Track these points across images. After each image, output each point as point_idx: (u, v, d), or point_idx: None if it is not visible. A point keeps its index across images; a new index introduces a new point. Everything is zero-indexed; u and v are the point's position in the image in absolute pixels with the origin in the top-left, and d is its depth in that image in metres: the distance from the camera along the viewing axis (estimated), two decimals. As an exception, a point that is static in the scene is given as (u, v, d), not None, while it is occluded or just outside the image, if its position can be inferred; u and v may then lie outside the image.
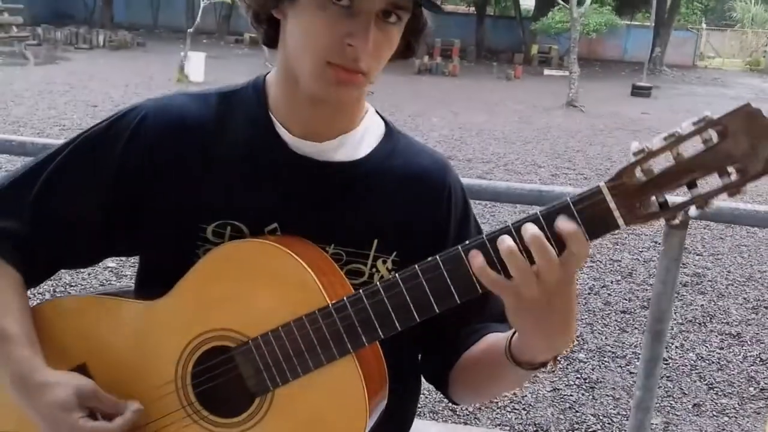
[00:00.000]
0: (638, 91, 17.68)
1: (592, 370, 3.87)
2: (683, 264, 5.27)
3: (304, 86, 1.02)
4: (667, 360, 3.99)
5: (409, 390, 1.21)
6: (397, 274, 0.93)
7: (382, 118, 1.17)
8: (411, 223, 1.11)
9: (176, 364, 1.03)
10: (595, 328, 4.41)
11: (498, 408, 3.44)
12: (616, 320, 4.54)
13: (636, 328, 4.40)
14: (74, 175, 1.08)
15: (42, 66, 15.98)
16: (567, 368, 3.86)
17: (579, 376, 3.79)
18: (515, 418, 3.38)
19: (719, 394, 3.73)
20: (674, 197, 0.86)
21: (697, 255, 5.95)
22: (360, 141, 1.11)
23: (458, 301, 0.92)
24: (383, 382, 1.03)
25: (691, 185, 0.84)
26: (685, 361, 4.05)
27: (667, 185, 0.85)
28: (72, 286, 4.41)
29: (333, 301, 0.96)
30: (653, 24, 25.60)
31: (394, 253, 1.09)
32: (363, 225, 1.09)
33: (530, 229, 0.85)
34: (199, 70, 14.71)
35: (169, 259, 1.06)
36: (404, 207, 1.11)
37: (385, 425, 1.06)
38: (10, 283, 1.06)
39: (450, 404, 3.41)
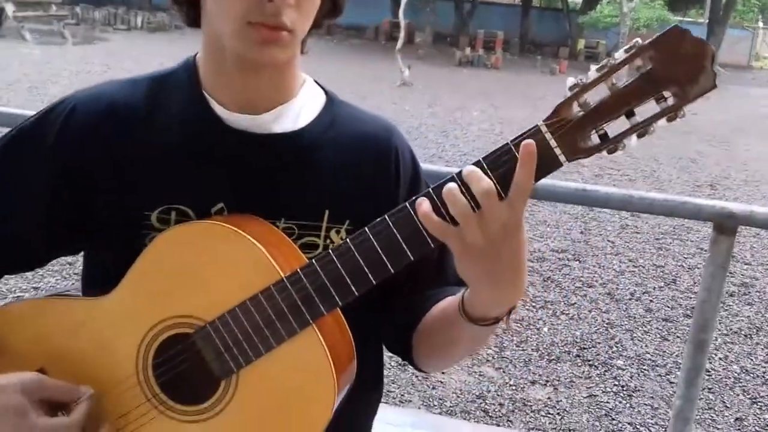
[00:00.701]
0: (688, 91, 17.31)
1: (631, 377, 3.85)
2: (730, 273, 5.21)
3: (230, 53, 1.01)
4: (709, 371, 3.95)
5: (375, 366, 1.21)
6: (347, 239, 0.93)
7: (323, 88, 1.17)
8: (360, 190, 1.10)
9: (136, 358, 1.03)
10: (635, 335, 4.38)
11: (532, 412, 3.45)
12: (657, 328, 4.51)
13: (678, 336, 4.36)
14: (5, 175, 1.07)
15: (80, 46, 16.30)
16: (604, 375, 3.85)
17: (617, 383, 3.78)
18: (549, 423, 3.38)
19: (763, 409, 3.69)
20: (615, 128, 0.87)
21: (746, 264, 5.86)
22: (299, 111, 1.11)
23: (411, 258, 0.92)
24: (350, 354, 1.02)
25: (630, 114, 0.85)
26: (729, 373, 4.01)
27: (604, 117, 0.85)
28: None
29: (287, 274, 0.95)
30: (707, 21, 25.15)
31: (347, 222, 1.08)
32: (311, 196, 1.08)
33: (470, 168, 0.87)
34: (236, 55, 14.83)
35: (116, 251, 1.04)
36: (352, 174, 1.11)
37: (353, 404, 1.06)
38: None
39: (482, 405, 3.44)
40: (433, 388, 3.52)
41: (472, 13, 26.47)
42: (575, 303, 4.76)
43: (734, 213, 2.35)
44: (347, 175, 1.10)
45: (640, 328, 4.48)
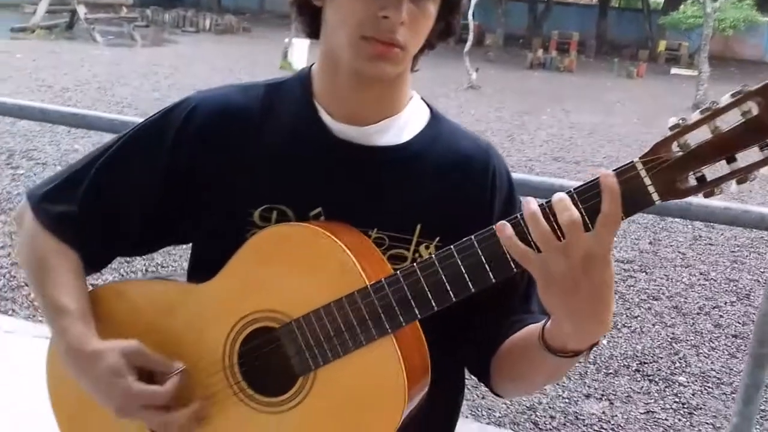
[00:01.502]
0: (778, 96, 16.75)
1: (693, 395, 3.78)
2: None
3: (345, 65, 1.09)
4: (779, 391, 3.84)
5: (452, 385, 1.26)
6: (433, 255, 1.00)
7: (428, 104, 1.23)
8: (455, 208, 1.15)
9: (224, 344, 1.12)
10: (700, 350, 4.29)
11: (584, 426, 3.43)
12: (725, 344, 4.40)
13: (748, 354, 4.24)
14: (127, 164, 1.19)
15: (149, 48, 16.92)
16: (664, 391, 3.79)
17: (677, 400, 3.71)
18: (602, 438, 3.36)
19: (837, 433, 3.56)
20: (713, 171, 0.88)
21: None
22: (404, 126, 1.17)
23: (493, 280, 0.97)
24: (425, 368, 1.08)
25: (731, 159, 0.85)
26: (801, 394, 3.89)
27: (704, 160, 0.86)
28: (164, 267, 4.70)
29: (371, 282, 1.02)
30: (801, 21, 24.16)
31: (437, 239, 1.14)
32: (406, 210, 1.14)
33: (559, 196, 0.90)
34: (302, 58, 15.09)
35: (219, 244, 1.14)
36: (448, 192, 1.16)
37: (429, 418, 1.12)
38: (70, 264, 1.18)
39: (532, 416, 3.44)
40: (483, 397, 3.54)
41: (546, 14, 26.23)
42: (638, 316, 4.69)
43: (798, 222, 2.31)
44: (443, 192, 1.16)
45: (706, 344, 4.38)
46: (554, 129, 11.05)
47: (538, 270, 0.93)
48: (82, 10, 17.12)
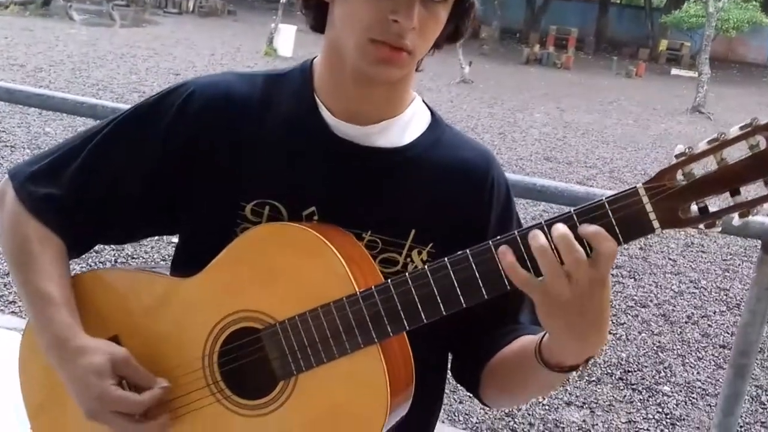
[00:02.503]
0: (780, 101, 16.96)
1: (677, 405, 3.82)
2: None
3: (349, 65, 1.10)
4: (766, 405, 3.89)
5: (432, 392, 1.27)
6: (426, 266, 1.00)
7: (429, 108, 1.24)
8: (450, 215, 1.17)
9: (205, 342, 1.12)
10: (686, 360, 4.34)
11: (564, 434, 3.47)
12: (712, 354, 4.45)
13: (729, 364, 4.30)
14: (120, 146, 1.19)
15: (128, 29, 16.83)
16: (648, 400, 3.83)
17: (660, 410, 3.76)
18: (581, 447, 3.39)
19: (822, 449, 3.62)
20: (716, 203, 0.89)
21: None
22: (404, 128, 1.18)
23: (486, 297, 0.98)
24: (409, 381, 1.09)
25: (734, 192, 0.87)
26: (788, 408, 3.95)
27: (708, 191, 0.88)
28: (134, 258, 4.70)
29: (361, 290, 1.03)
30: (807, 25, 24.35)
31: (431, 245, 1.16)
32: (401, 214, 1.16)
33: (559, 228, 0.91)
34: (288, 45, 15.13)
35: (207, 236, 1.15)
36: (445, 198, 1.18)
37: (407, 425, 1.13)
38: (54, 250, 1.18)
39: (510, 423, 3.47)
40: (460, 402, 3.57)
41: (544, 8, 26.28)
42: (625, 323, 4.74)
43: (784, 230, 2.34)
44: (440, 198, 1.18)
45: (693, 354, 4.43)
46: (547, 128, 11.11)
47: (540, 296, 0.95)
48: (59, -13, 17.02)
